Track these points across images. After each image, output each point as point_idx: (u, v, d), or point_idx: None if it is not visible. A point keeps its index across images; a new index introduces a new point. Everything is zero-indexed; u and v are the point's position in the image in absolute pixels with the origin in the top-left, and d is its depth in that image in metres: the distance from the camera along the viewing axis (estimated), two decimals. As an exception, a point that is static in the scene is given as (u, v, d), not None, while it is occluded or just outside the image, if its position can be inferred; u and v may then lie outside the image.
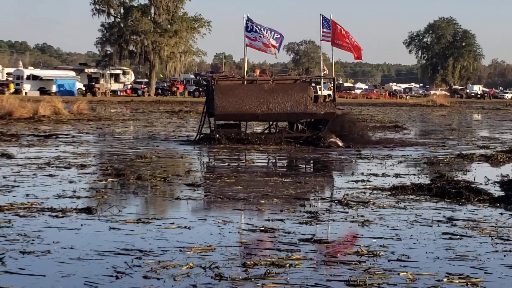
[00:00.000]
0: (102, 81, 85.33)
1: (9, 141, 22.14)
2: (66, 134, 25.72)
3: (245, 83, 23.72)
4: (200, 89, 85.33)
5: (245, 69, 26.66)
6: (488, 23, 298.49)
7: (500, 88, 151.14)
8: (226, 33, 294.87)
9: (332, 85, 31.52)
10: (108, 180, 13.90)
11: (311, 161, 19.59)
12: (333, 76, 26.73)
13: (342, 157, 19.62)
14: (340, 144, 22.94)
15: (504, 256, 8.09)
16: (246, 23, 25.25)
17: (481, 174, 15.71)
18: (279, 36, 25.55)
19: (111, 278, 6.91)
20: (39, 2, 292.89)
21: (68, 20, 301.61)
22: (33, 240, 8.44)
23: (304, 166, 18.63)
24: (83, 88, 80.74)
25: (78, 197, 11.61)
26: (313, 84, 28.01)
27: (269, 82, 23.68)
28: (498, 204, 11.71)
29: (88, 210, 10.34)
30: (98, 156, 19.13)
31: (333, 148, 22.17)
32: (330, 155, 20.44)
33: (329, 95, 30.38)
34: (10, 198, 11.35)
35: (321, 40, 26.52)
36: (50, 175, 14.27)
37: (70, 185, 13.02)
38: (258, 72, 28.22)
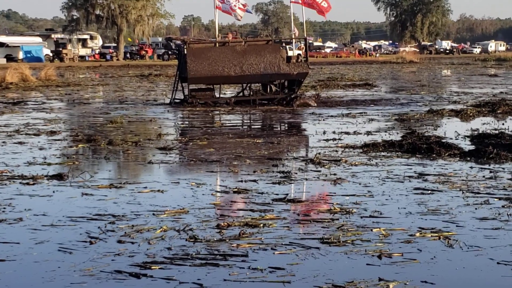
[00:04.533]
0: (69, 47, 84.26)
1: (-23, 110, 21.90)
2: (35, 101, 25.50)
3: (217, 45, 23.59)
4: (170, 52, 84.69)
5: (216, 31, 26.52)
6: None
7: (469, 43, 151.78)
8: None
9: (303, 45, 31.44)
10: (79, 146, 13.83)
11: (284, 121, 19.60)
12: (305, 36, 26.66)
13: (314, 116, 19.66)
14: (313, 104, 23.01)
15: (475, 209, 8.19)
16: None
17: (452, 129, 15.84)
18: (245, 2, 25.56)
19: (85, 243, 6.90)
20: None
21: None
22: (4, 208, 8.39)
23: (276, 126, 18.64)
24: (51, 54, 79.80)
25: (49, 164, 11.55)
26: (283, 44, 27.84)
27: (241, 44, 23.59)
28: (468, 158, 11.83)
29: (59, 177, 10.29)
30: (68, 122, 18.98)
31: (306, 108, 22.22)
32: (302, 115, 20.47)
33: (299, 54, 30.21)
34: (-20, 167, 11.27)
35: (290, 2, 26.42)
36: (20, 143, 14.17)
37: (40, 152, 12.93)
38: (231, 36, 28.12)
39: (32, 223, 7.69)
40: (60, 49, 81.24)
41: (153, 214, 8.03)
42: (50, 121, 18.61)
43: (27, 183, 9.88)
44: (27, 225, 7.61)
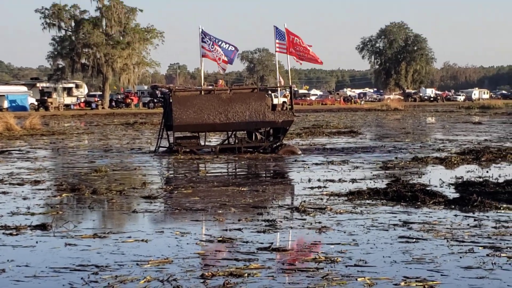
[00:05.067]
0: (54, 95, 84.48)
1: (-40, 159, 21.81)
2: (19, 150, 25.43)
3: (202, 93, 23.71)
4: (155, 101, 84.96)
5: (202, 79, 26.68)
6: (439, 26, 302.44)
7: (453, 90, 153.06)
8: (180, 44, 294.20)
9: (288, 92, 31.60)
10: (63, 195, 13.77)
11: (269, 169, 19.62)
12: (290, 84, 26.83)
13: (299, 164, 19.70)
14: (298, 151, 23.09)
15: (460, 257, 8.19)
16: (201, 35, 25.34)
17: (436, 177, 15.91)
18: (233, 48, 25.70)
19: (67, 295, 6.85)
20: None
21: (19, 34, 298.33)
22: (-13, 259, 8.32)
23: (261, 174, 18.65)
24: (36, 103, 79.84)
25: (33, 214, 11.49)
26: (269, 92, 28.04)
27: (226, 92, 23.73)
28: (453, 206, 11.86)
29: (43, 227, 10.24)
30: (52, 171, 18.92)
31: (291, 155, 22.28)
32: (287, 162, 20.51)
33: (284, 102, 30.41)
34: (-38, 217, 11.19)
35: (276, 51, 26.64)
36: (3, 192, 14.08)
37: (24, 201, 12.87)
38: (222, 82, 28.40)
39: (15, 274, 7.62)
40: (45, 98, 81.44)
41: (137, 264, 7.98)
42: (35, 170, 18.55)
43: (10, 234, 9.81)
44: (9, 276, 7.55)
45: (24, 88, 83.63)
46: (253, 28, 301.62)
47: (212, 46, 25.21)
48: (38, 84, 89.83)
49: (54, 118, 62.22)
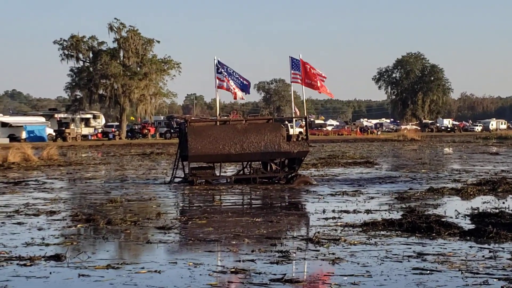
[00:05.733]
0: (72, 126, 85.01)
1: (-23, 189, 21.93)
2: (36, 181, 25.54)
3: (218, 123, 23.80)
4: (172, 131, 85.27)
5: (218, 110, 26.82)
6: (456, 56, 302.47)
7: (470, 121, 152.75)
8: (197, 74, 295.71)
9: (304, 123, 31.65)
10: (78, 226, 13.80)
11: (284, 200, 19.59)
12: (305, 114, 26.86)
13: (314, 195, 19.66)
14: (313, 182, 23.08)
15: (474, 289, 8.14)
16: (217, 66, 25.57)
17: (452, 208, 15.83)
18: (247, 83, 25.96)
19: (79, 326, 6.85)
20: (7, 48, 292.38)
21: (37, 66, 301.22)
22: (0, 290, 8.35)
23: (276, 205, 18.62)
24: (53, 134, 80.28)
25: (47, 245, 11.52)
26: (285, 122, 28.12)
27: (242, 122, 23.81)
28: (468, 237, 11.79)
29: (57, 257, 10.25)
30: (68, 202, 18.96)
31: (306, 186, 22.26)
32: (302, 193, 20.47)
33: (300, 132, 30.48)
34: (-23, 247, 11.23)
35: (291, 81, 26.79)
36: (19, 223, 14.13)
37: (39, 232, 12.91)
38: (237, 114, 28.52)
39: (27, 305, 7.64)
40: (63, 128, 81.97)
41: (150, 295, 7.98)
42: (51, 201, 18.62)
43: (24, 264, 9.83)
44: (22, 307, 7.56)
45: (42, 119, 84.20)
46: (270, 58, 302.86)
47: (227, 78, 25.44)
48: (56, 115, 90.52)
49: (72, 148, 62.49)
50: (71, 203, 18.57)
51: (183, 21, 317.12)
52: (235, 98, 26.62)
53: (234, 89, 25.62)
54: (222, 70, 25.53)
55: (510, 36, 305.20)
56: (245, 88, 25.98)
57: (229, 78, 25.57)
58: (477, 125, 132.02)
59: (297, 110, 33.63)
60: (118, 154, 49.63)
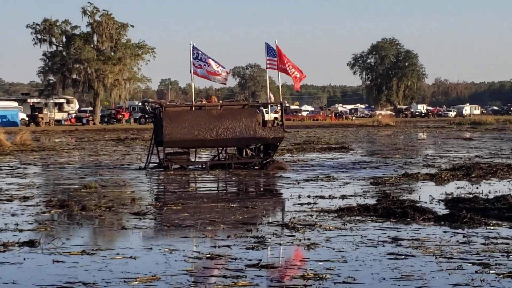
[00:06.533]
0: (45, 111, 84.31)
1: (-51, 175, 21.74)
2: (9, 166, 25.35)
3: (193, 109, 23.73)
4: (146, 116, 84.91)
5: (193, 95, 26.77)
6: (430, 42, 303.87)
7: (444, 106, 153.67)
8: (171, 59, 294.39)
9: (278, 108, 31.68)
10: (52, 211, 13.72)
11: (259, 185, 19.62)
12: (281, 100, 26.87)
13: (290, 180, 19.70)
14: (287, 168, 23.13)
15: (449, 274, 8.19)
16: (192, 51, 25.45)
17: (426, 193, 15.93)
18: (220, 70, 25.90)
19: (54, 312, 6.82)
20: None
21: (9, 50, 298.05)
22: (-26, 276, 8.29)
23: (251, 190, 18.64)
24: (26, 119, 79.68)
25: (21, 230, 11.45)
26: (260, 108, 28.12)
27: (217, 108, 23.76)
28: (442, 222, 11.88)
29: (31, 243, 10.19)
30: (42, 187, 18.85)
31: (280, 171, 22.29)
32: (277, 179, 20.52)
33: (276, 118, 30.46)
34: (-50, 234, 11.14)
35: (267, 67, 26.77)
36: (-8, 209, 14.04)
37: (12, 218, 12.82)
38: (214, 99, 28.51)
39: (1, 292, 7.59)
40: (36, 113, 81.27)
41: (124, 282, 7.95)
42: (24, 186, 18.49)
43: (-2, 250, 9.78)
44: (-4, 294, 7.52)
45: (15, 104, 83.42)
46: (245, 44, 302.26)
47: (205, 63, 25.30)
48: (29, 100, 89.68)
49: (45, 133, 62.06)
50: (44, 189, 18.46)
51: (157, 5, 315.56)
52: (222, 81, 26.54)
53: (216, 71, 25.50)
54: (198, 54, 25.42)
55: (484, 21, 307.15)
56: (222, 72, 25.92)
57: (210, 60, 25.39)
58: (451, 111, 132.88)
59: (272, 95, 33.53)
60: (92, 140, 49.38)
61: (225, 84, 27.19)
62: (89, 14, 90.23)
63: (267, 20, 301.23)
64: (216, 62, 25.61)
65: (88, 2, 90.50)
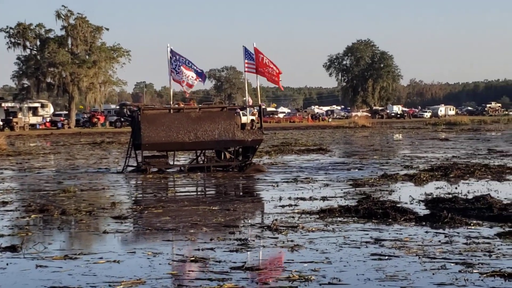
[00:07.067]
0: (20, 115, 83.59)
1: None
2: (-15, 171, 25.14)
3: (171, 111, 23.70)
4: (123, 119, 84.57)
5: (171, 98, 26.70)
6: (405, 43, 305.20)
7: (419, 107, 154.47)
8: (147, 62, 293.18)
9: (256, 110, 31.72)
10: (32, 216, 13.63)
11: (239, 188, 19.62)
12: (259, 103, 26.86)
13: (270, 182, 19.71)
14: (265, 170, 23.19)
15: (433, 274, 8.25)
16: (169, 54, 25.40)
17: (406, 194, 16.03)
18: (201, 71, 25.85)
19: (40, 317, 6.79)
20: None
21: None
22: (-44, 282, 8.23)
23: (231, 193, 18.63)
24: (1, 123, 79.05)
25: (1, 235, 11.37)
26: (237, 110, 28.11)
27: (196, 111, 23.75)
28: (423, 223, 11.96)
29: (12, 248, 10.13)
30: (20, 192, 18.71)
31: (259, 174, 22.31)
32: (257, 181, 20.53)
33: (253, 120, 30.51)
34: None
35: (245, 71, 26.78)
36: (-29, 214, 13.93)
37: (-8, 223, 12.74)
38: (193, 102, 28.46)
39: (-15, 297, 7.55)
40: (11, 117, 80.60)
41: (109, 286, 7.93)
42: (2, 191, 18.36)
43: (-21, 256, 9.70)
44: (-20, 300, 7.47)
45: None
46: (221, 46, 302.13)
47: (179, 68, 25.27)
48: (3, 104, 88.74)
49: (20, 138, 61.60)
50: (23, 194, 18.31)
51: (132, 8, 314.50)
52: (185, 92, 26.67)
53: (185, 80, 25.50)
54: (175, 60, 25.38)
55: (458, 23, 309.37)
56: (201, 75, 25.91)
57: (185, 67, 25.38)
58: (426, 112, 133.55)
59: (250, 99, 33.57)
60: (68, 144, 49.11)
61: (187, 93, 27.19)
62: (63, 17, 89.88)
63: (242, 22, 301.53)
64: (190, 67, 25.54)
65: (62, 6, 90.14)
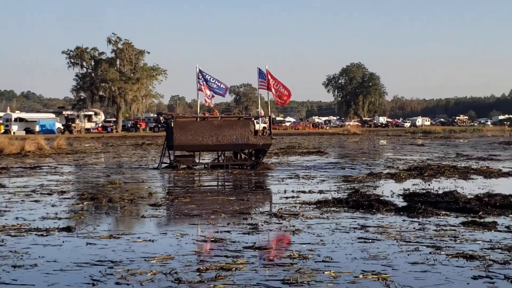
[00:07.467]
0: (77, 121, 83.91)
1: (0, 173, 21.63)
2: (48, 166, 25.25)
3: (198, 120, 23.76)
4: (159, 125, 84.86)
5: (198, 109, 26.76)
6: (390, 65, 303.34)
7: (401, 118, 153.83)
8: (180, 79, 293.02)
9: (267, 119, 31.69)
10: (84, 203, 13.68)
11: (252, 182, 19.59)
12: (269, 114, 26.86)
13: (277, 178, 19.68)
14: (273, 168, 23.16)
15: (408, 255, 8.21)
16: (198, 73, 25.49)
17: (388, 189, 15.96)
18: (224, 86, 25.89)
19: (88, 285, 6.81)
20: (22, 56, 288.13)
21: (48, 71, 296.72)
22: (22, 255, 8.26)
23: (245, 186, 18.60)
24: (62, 127, 79.36)
25: (60, 218, 11.42)
26: (252, 119, 28.07)
27: (217, 119, 23.78)
28: (401, 213, 11.89)
29: (68, 229, 10.17)
30: (75, 183, 18.78)
31: (268, 171, 22.29)
32: (267, 177, 20.50)
33: (264, 127, 30.44)
34: (2, 221, 11.09)
35: (258, 87, 26.79)
36: (36, 201, 13.98)
37: (52, 208, 12.78)
38: (216, 112, 28.44)
39: (45, 268, 7.57)
40: (70, 123, 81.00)
41: (145, 260, 7.94)
42: (61, 182, 18.43)
43: (41, 235, 9.74)
44: (40, 270, 7.49)
45: (52, 115, 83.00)
46: (239, 67, 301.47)
47: (205, 85, 25.37)
48: (64, 112, 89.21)
49: (77, 139, 61.78)
50: (78, 185, 18.39)
51: (169, 34, 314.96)
52: (207, 104, 26.77)
53: (208, 95, 25.62)
54: (202, 78, 25.50)
55: (434, 48, 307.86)
56: (222, 91, 25.91)
57: (207, 85, 25.48)
58: (406, 122, 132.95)
59: (262, 111, 33.56)
60: (115, 145, 49.21)
61: (209, 104, 27.20)
62: (113, 42, 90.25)
63: (258, 46, 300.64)
64: (213, 82, 25.58)
65: (112, 33, 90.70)
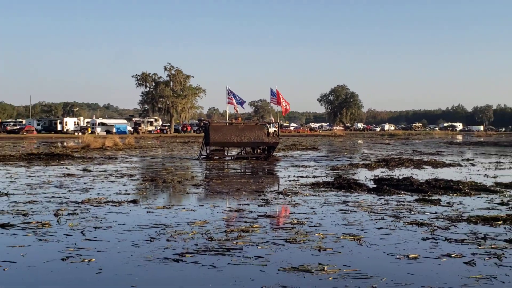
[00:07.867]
0: (142, 125, 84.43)
1: (87, 161, 21.80)
2: (121, 157, 25.38)
3: (227, 124, 23.78)
4: (200, 129, 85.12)
5: (227, 117, 26.83)
6: (367, 84, 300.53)
7: (374, 124, 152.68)
8: (215, 94, 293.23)
9: (277, 125, 31.62)
10: (146, 183, 13.74)
11: (265, 170, 19.56)
12: (278, 121, 26.86)
13: (283, 167, 19.62)
14: (281, 159, 23.06)
15: (376, 222, 8.15)
16: (227, 91, 25.61)
17: (363, 175, 15.83)
18: (242, 101, 26.09)
19: (147, 241, 6.84)
20: (104, 79, 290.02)
21: (122, 90, 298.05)
22: (101, 220, 8.31)
23: (260, 172, 18.57)
24: (131, 130, 79.88)
25: (128, 194, 11.47)
26: (266, 124, 28.05)
27: (241, 124, 23.75)
28: (372, 192, 11.79)
29: (134, 202, 10.21)
30: (140, 169, 18.86)
31: (276, 161, 22.23)
32: (275, 166, 20.45)
33: (275, 130, 30.36)
34: (88, 195, 11.17)
35: (270, 102, 26.79)
36: (112, 181, 14.05)
37: (123, 187, 12.84)
38: (240, 119, 28.34)
39: (117, 229, 7.61)
40: (137, 126, 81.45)
41: (188, 224, 7.96)
42: (130, 168, 18.52)
43: (115, 205, 9.80)
44: (114, 230, 7.54)
45: (125, 121, 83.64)
46: (257, 86, 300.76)
47: (232, 98, 25.50)
48: (133, 119, 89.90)
49: (142, 138, 62.04)
50: (142, 170, 18.46)
51: (207, 62, 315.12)
52: (236, 111, 26.87)
53: (235, 106, 25.79)
54: (230, 94, 25.61)
55: (397, 73, 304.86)
56: (242, 104, 26.03)
57: (234, 99, 25.66)
58: (377, 127, 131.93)
59: (273, 118, 33.54)
60: (169, 142, 49.36)
61: (236, 111, 27.25)
62: (168, 69, 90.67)
63: (270, 72, 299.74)
64: (236, 99, 25.81)
65: (168, 62, 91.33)
